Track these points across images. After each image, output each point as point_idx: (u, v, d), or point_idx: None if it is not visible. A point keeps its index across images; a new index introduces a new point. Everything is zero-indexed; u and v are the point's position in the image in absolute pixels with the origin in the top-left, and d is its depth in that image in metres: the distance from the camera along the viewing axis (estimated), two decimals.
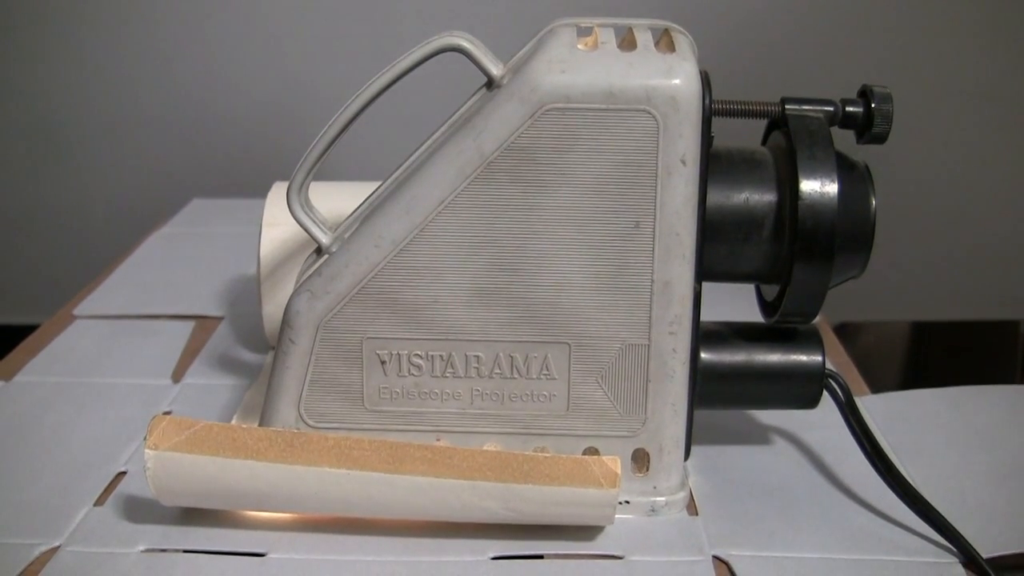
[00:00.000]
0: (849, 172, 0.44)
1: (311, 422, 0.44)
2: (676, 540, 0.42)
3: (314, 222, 0.45)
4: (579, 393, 0.43)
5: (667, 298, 0.42)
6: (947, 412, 0.53)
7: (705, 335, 0.46)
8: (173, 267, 0.72)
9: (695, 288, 0.43)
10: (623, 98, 0.41)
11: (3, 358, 0.58)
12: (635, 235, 0.42)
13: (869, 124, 0.45)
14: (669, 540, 0.42)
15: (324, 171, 0.46)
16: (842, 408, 0.47)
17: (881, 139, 0.45)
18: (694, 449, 0.49)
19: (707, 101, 0.42)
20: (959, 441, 0.51)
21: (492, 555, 0.41)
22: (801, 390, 0.47)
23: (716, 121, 0.44)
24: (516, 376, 0.43)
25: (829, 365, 0.47)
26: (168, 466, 0.40)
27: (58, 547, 0.41)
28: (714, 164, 0.44)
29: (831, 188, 0.43)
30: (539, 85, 0.41)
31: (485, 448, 0.43)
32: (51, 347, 0.59)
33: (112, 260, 0.73)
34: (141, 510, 0.44)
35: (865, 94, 0.45)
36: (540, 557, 0.41)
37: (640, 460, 0.44)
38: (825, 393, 0.47)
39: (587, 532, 0.42)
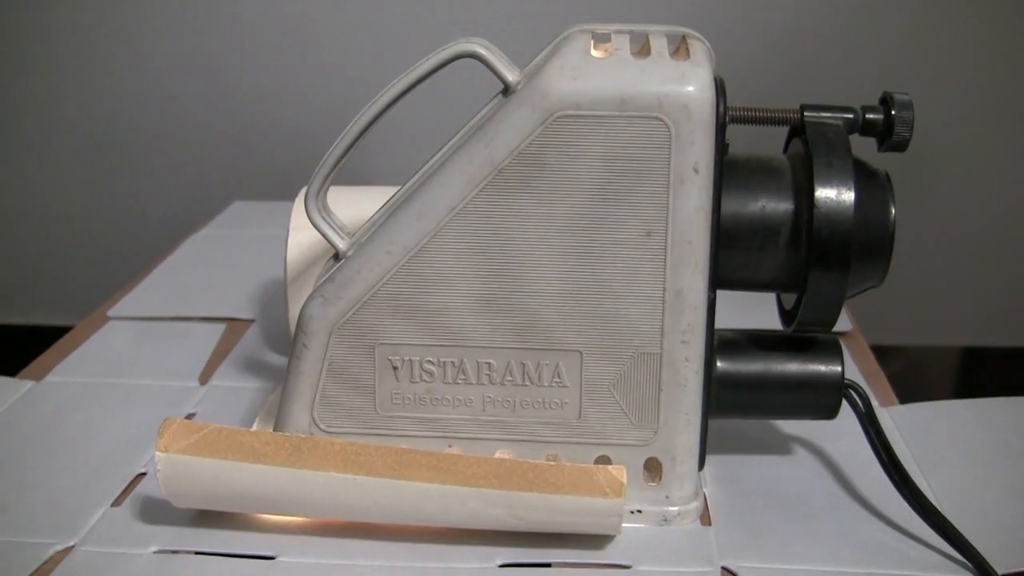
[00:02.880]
0: (868, 180, 0.44)
1: (324, 426, 0.44)
2: (686, 550, 0.42)
3: (331, 227, 0.45)
4: (591, 401, 0.43)
5: (679, 307, 0.42)
6: (974, 424, 0.52)
7: (721, 344, 0.46)
8: (208, 269, 0.72)
9: (709, 297, 0.43)
10: (634, 105, 0.40)
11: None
12: (647, 243, 0.41)
13: (889, 132, 0.44)
14: (679, 550, 0.42)
15: (349, 175, 0.46)
16: (861, 418, 0.46)
17: (902, 147, 0.44)
18: (711, 458, 0.49)
19: (721, 108, 0.41)
20: (984, 454, 0.50)
21: (500, 562, 0.41)
22: (819, 400, 0.46)
23: (738, 129, 0.44)
24: (527, 384, 0.43)
25: (850, 375, 0.46)
26: (178, 468, 0.41)
27: (72, 547, 0.42)
28: (730, 172, 0.44)
29: (847, 196, 0.42)
30: (550, 92, 0.41)
31: (496, 455, 0.44)
32: (83, 348, 0.60)
33: (151, 262, 0.74)
34: (157, 511, 0.44)
35: (886, 101, 0.44)
36: (548, 565, 0.41)
37: (652, 469, 0.44)
38: (846, 403, 0.46)
39: (596, 540, 0.42)
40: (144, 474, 0.47)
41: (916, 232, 0.89)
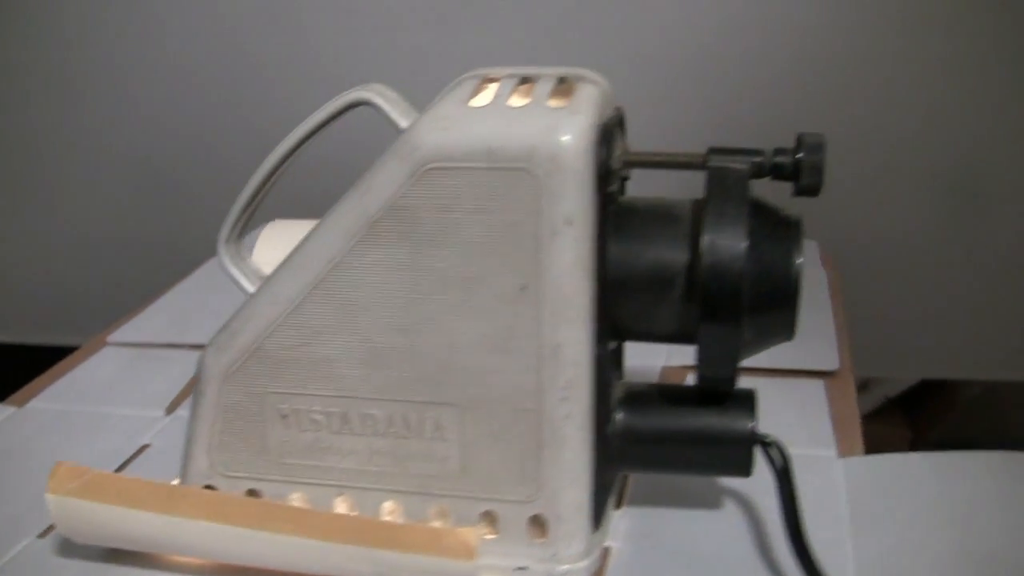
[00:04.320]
0: (772, 228, 0.41)
1: (222, 470, 0.45)
2: None
3: (242, 273, 0.46)
4: (472, 456, 0.42)
5: (557, 363, 0.41)
6: (929, 479, 0.49)
7: (628, 396, 0.45)
8: (215, 296, 0.74)
9: (595, 351, 0.41)
10: (503, 156, 0.39)
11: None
12: (522, 298, 0.40)
13: (797, 175, 0.42)
14: None
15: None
16: (776, 476, 0.44)
17: (812, 192, 0.42)
18: (632, 510, 0.47)
19: (603, 156, 0.40)
20: (928, 515, 0.47)
21: None
22: (728, 456, 0.44)
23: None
24: (410, 436, 0.43)
25: (817, 419, 0.44)
26: (68, 510, 0.42)
27: None
28: (624, 219, 0.42)
29: (738, 245, 0.40)
30: (421, 144, 0.40)
31: (384, 507, 0.43)
32: (71, 374, 0.63)
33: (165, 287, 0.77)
34: (76, 546, 0.46)
35: (798, 143, 0.42)
36: None
37: (538, 526, 0.43)
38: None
39: None
40: None
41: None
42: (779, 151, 0.42)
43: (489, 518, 0.43)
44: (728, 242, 0.40)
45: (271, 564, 0.42)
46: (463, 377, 0.42)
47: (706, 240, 0.40)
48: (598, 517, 0.44)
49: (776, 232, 0.41)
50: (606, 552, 0.45)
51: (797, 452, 0.51)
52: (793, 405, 0.57)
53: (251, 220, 0.47)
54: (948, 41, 0.85)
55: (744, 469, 0.44)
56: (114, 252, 1.03)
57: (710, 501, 0.48)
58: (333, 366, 0.43)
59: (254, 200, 0.45)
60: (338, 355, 0.42)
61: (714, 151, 0.42)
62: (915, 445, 1.00)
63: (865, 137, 0.89)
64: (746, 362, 0.46)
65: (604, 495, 0.44)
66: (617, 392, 0.45)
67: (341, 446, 0.43)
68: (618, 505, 0.48)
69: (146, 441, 0.55)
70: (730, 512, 0.48)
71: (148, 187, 1.00)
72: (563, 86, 0.42)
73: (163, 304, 0.73)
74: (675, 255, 0.42)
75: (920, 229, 0.91)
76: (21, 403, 0.59)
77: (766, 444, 0.44)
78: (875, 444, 0.54)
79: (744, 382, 0.57)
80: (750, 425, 0.44)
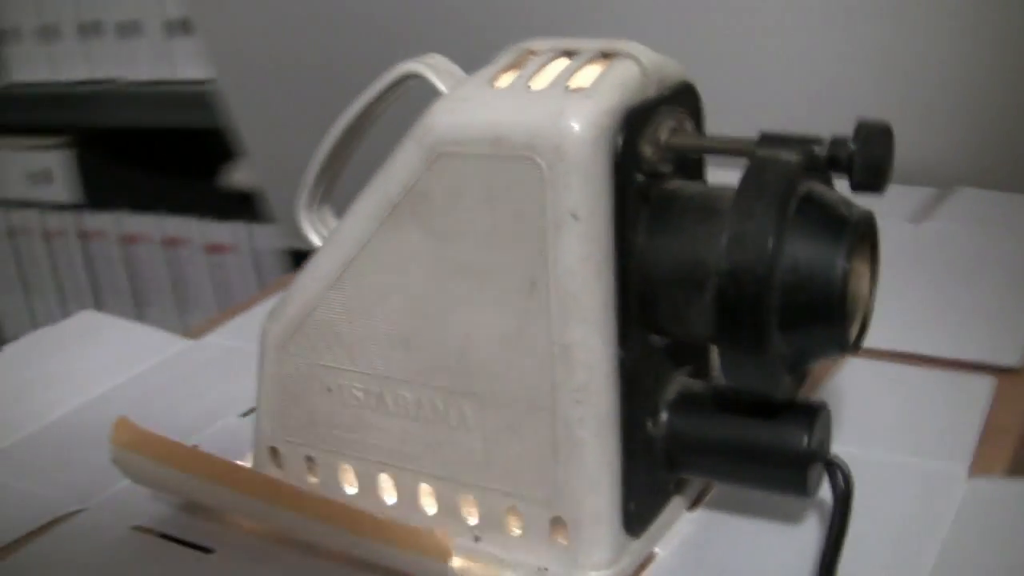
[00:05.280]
0: (819, 229, 0.36)
1: (282, 435, 0.46)
2: None
3: (322, 241, 0.47)
4: (494, 449, 0.41)
5: (568, 364, 0.38)
6: None
7: (680, 397, 0.41)
8: None
9: (615, 353, 0.38)
10: (508, 144, 0.37)
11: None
12: (532, 294, 0.38)
13: (851, 170, 0.36)
14: None
15: None
16: (834, 501, 0.39)
17: (870, 189, 0.36)
18: (706, 515, 0.44)
19: (621, 144, 0.37)
20: None
21: None
22: (780, 474, 0.40)
23: None
24: (438, 422, 0.42)
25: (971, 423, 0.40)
26: (127, 461, 0.46)
27: (80, 511, 0.48)
28: (663, 209, 0.39)
29: (763, 247, 0.35)
30: (433, 127, 0.38)
31: (421, 487, 0.43)
32: (248, 313, 0.67)
33: None
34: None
35: (856, 131, 0.36)
36: None
37: (560, 528, 0.41)
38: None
39: None
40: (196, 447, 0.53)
41: None
42: (837, 141, 0.37)
43: (515, 513, 0.41)
44: (751, 242, 0.35)
45: (284, 531, 0.43)
46: (481, 369, 0.40)
47: (725, 239, 0.36)
48: (636, 522, 0.41)
49: (824, 233, 0.36)
50: (651, 558, 0.42)
51: (920, 462, 0.46)
52: (946, 405, 0.50)
53: (333, 188, 0.47)
54: None
55: (800, 488, 0.40)
56: None
57: (791, 514, 0.44)
58: (369, 346, 0.42)
59: (325, 172, 0.46)
60: (372, 335, 0.42)
61: (766, 138, 0.37)
62: None
63: None
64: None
65: (648, 499, 0.41)
66: (669, 391, 0.41)
67: (380, 424, 0.43)
68: (693, 506, 0.45)
69: None
70: (808, 529, 0.43)
71: None
72: (594, 65, 0.38)
73: None
74: (707, 253, 0.37)
75: None
76: (198, 336, 0.64)
77: (828, 464, 0.40)
78: None
79: (898, 370, 0.52)
80: (804, 441, 0.39)
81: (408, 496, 0.43)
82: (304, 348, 0.44)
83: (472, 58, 0.42)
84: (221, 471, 0.43)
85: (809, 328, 0.36)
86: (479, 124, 0.37)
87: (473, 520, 0.42)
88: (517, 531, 0.41)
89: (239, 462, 0.48)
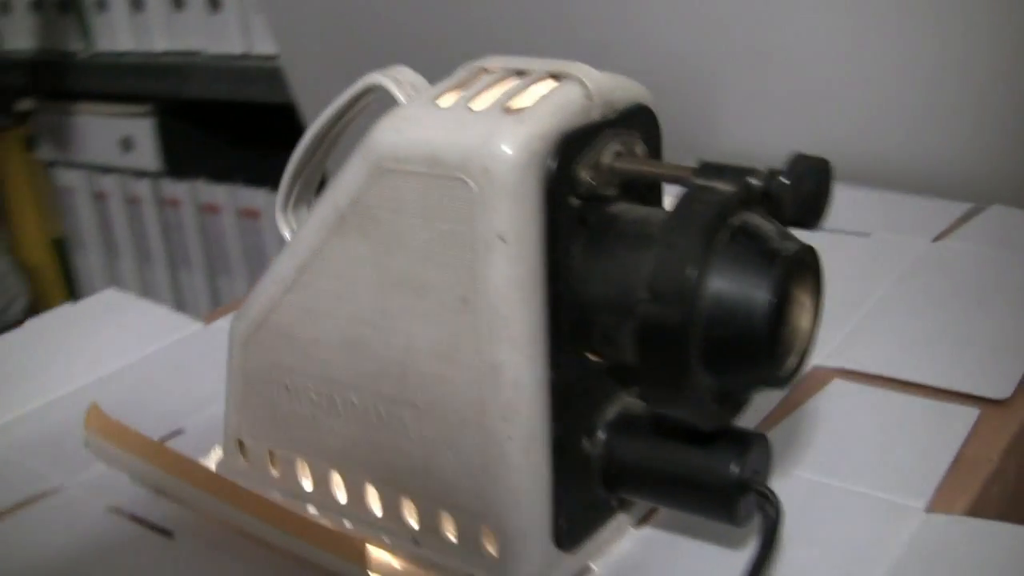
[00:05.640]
0: (741, 263, 0.36)
1: (247, 429, 0.47)
2: None
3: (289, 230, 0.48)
4: (432, 459, 0.42)
5: (496, 382, 0.39)
6: (997, 555, 0.41)
7: (619, 419, 0.41)
8: None
9: (546, 375, 0.39)
10: (442, 164, 0.38)
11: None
12: (464, 311, 0.39)
13: (779, 206, 0.36)
14: None
15: None
16: (762, 531, 0.39)
17: (802, 225, 0.36)
18: (652, 535, 0.44)
19: (556, 168, 0.37)
20: None
21: None
22: (710, 502, 0.40)
23: None
24: (382, 428, 0.43)
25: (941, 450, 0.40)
26: (98, 446, 0.48)
27: (57, 488, 0.51)
28: (604, 234, 0.39)
29: (683, 281, 0.35)
30: (377, 143, 0.39)
31: (367, 488, 0.44)
32: None
33: None
34: None
35: (789, 166, 0.36)
36: None
37: (491, 540, 0.41)
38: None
39: None
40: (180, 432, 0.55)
41: None
42: (772, 173, 0.36)
43: (450, 521, 0.42)
44: (673, 273, 0.35)
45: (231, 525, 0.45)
46: (419, 380, 0.41)
47: (647, 269, 0.36)
48: (568, 538, 0.41)
49: (751, 266, 0.36)
50: (586, 573, 0.43)
51: (881, 496, 0.45)
52: (923, 435, 0.49)
53: (309, 191, 0.48)
54: None
55: (728, 517, 0.40)
56: None
57: (736, 539, 0.44)
58: (321, 349, 0.43)
59: (298, 176, 0.47)
60: (323, 339, 0.43)
61: (704, 167, 0.37)
62: None
63: None
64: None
65: (583, 515, 0.41)
66: (609, 411, 0.42)
67: (330, 426, 0.44)
68: (641, 523, 0.45)
69: None
70: (750, 554, 0.43)
71: None
72: (540, 85, 0.39)
73: None
74: (635, 280, 0.37)
75: None
76: (209, 322, 0.66)
77: (759, 494, 0.39)
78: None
79: (882, 396, 0.51)
80: (734, 470, 0.39)
81: (356, 496, 0.44)
82: (265, 347, 0.45)
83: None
84: (175, 464, 0.45)
85: (734, 362, 0.36)
86: (417, 143, 0.38)
87: (414, 524, 0.43)
88: (452, 539, 0.42)
89: (215, 450, 0.50)
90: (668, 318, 0.35)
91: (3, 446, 0.55)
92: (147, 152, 1.54)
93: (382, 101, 0.44)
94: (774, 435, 0.50)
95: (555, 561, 0.41)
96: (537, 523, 0.40)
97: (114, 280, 1.65)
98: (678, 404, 0.37)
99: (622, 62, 0.45)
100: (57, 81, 1.58)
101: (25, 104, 1.68)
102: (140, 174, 1.56)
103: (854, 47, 0.77)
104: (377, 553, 0.44)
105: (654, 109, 0.41)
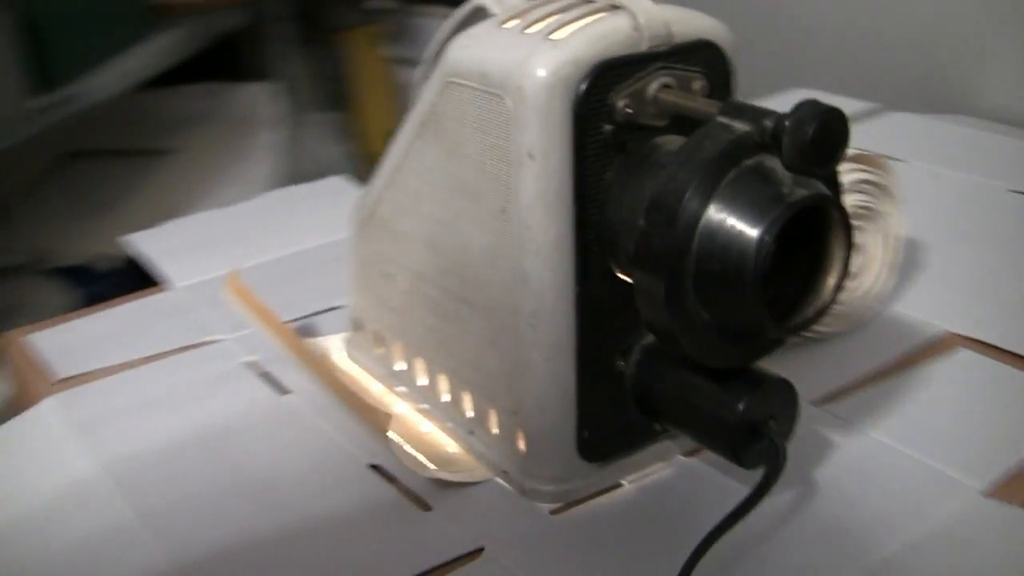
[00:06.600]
0: (743, 201, 0.36)
1: (361, 310, 0.52)
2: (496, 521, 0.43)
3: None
4: (481, 355, 0.45)
5: (524, 291, 0.41)
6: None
7: (655, 345, 0.43)
8: None
9: (573, 289, 0.41)
10: (489, 81, 0.40)
11: None
12: (503, 220, 0.41)
13: (779, 149, 0.35)
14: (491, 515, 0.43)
15: None
16: (762, 477, 0.39)
17: (798, 171, 0.36)
18: (689, 464, 0.45)
19: (585, 94, 0.38)
20: None
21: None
22: (716, 437, 0.41)
23: None
24: (449, 320, 0.46)
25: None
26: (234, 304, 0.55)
27: None
28: (639, 161, 0.40)
29: (673, 212, 0.36)
30: (448, 58, 0.42)
31: (439, 376, 0.48)
32: None
33: None
34: None
35: (791, 112, 0.35)
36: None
37: (523, 438, 0.44)
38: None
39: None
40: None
41: None
42: (779, 118, 0.36)
43: (494, 416, 0.45)
44: (666, 203, 0.36)
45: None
46: (474, 280, 0.44)
47: (650, 207, 0.37)
48: (592, 450, 0.43)
49: (752, 206, 0.36)
50: (615, 487, 0.45)
51: (941, 470, 0.44)
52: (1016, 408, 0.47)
53: None
54: None
55: (730, 455, 0.40)
56: None
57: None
58: (409, 242, 0.47)
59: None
60: (411, 233, 0.47)
61: (727, 106, 0.37)
62: None
63: None
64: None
65: (612, 432, 0.44)
66: (649, 336, 0.43)
67: (415, 315, 0.48)
68: (691, 454, 0.46)
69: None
70: (785, 500, 0.43)
71: None
72: (596, 15, 0.40)
73: None
74: (642, 207, 0.38)
75: None
76: None
77: (764, 439, 0.40)
78: None
79: (1006, 373, 0.51)
80: (736, 411, 0.39)
81: (433, 382, 0.48)
82: (372, 235, 0.50)
83: None
84: (277, 332, 0.51)
85: (723, 299, 0.37)
86: (475, 60, 0.41)
87: (470, 414, 0.47)
88: (496, 433, 0.45)
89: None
90: (657, 245, 0.36)
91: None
92: None
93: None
94: (872, 391, 0.49)
95: (578, 468, 0.44)
96: (559, 430, 0.43)
97: None
98: (671, 334, 0.38)
99: None
100: None
101: (377, 2, 1.82)
102: None
103: None
104: (436, 436, 0.48)
105: (725, 47, 0.41)
